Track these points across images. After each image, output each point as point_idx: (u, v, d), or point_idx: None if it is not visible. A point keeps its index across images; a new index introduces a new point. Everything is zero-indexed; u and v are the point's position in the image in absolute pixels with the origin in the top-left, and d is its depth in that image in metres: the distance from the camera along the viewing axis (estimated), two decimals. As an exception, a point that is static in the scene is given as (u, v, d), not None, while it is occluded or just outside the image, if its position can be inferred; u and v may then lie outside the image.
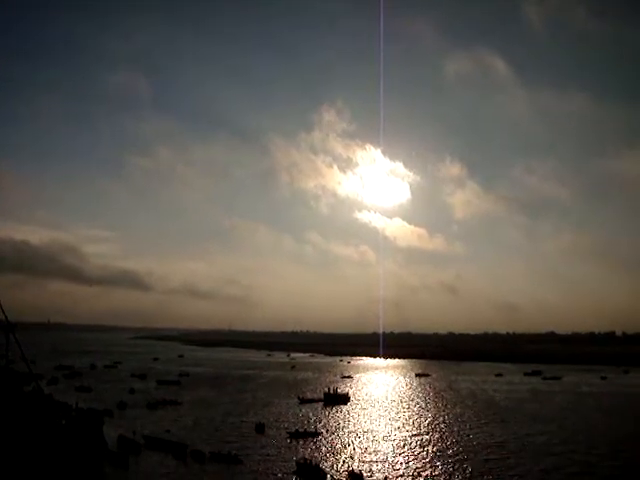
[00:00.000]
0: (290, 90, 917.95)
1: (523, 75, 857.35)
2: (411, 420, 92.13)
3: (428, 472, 58.83)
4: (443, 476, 57.51)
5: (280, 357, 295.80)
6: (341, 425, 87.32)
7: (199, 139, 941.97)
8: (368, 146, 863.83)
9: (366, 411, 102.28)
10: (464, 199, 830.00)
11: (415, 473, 58.61)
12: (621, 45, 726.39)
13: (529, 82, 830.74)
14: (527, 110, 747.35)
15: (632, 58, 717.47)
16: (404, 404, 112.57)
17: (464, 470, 59.38)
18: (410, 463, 62.51)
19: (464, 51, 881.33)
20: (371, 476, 57.13)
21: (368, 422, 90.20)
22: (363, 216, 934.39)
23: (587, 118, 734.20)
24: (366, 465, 61.32)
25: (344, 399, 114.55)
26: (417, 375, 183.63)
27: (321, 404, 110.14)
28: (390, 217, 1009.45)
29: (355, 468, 58.62)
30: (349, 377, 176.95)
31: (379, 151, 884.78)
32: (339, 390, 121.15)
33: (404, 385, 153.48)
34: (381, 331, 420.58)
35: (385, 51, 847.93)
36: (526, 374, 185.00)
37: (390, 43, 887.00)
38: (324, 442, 73.52)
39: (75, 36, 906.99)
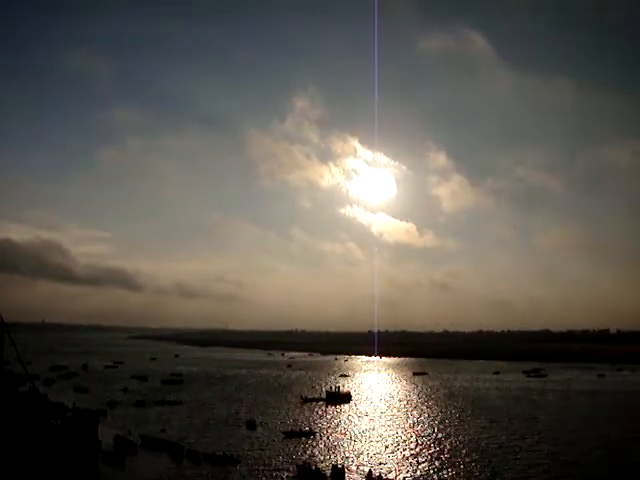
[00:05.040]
0: (261, 77, 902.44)
1: (507, 57, 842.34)
2: (410, 420, 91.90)
3: (416, 470, 58.67)
4: (429, 474, 57.31)
5: (276, 356, 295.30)
6: (341, 424, 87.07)
7: (171, 129, 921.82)
8: (345, 136, 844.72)
9: (367, 410, 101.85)
10: (451, 191, 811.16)
11: (404, 470, 58.52)
12: (608, 28, 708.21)
13: (513, 64, 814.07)
14: (512, 94, 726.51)
15: (620, 42, 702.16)
16: (404, 403, 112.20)
17: (452, 469, 59.09)
18: (402, 461, 62.28)
19: (443, 28, 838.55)
20: (355, 470, 57.57)
21: (367, 421, 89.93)
22: (348, 211, 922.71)
23: (575, 102, 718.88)
24: (355, 462, 61.50)
25: (346, 398, 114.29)
26: (415, 374, 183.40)
27: (323, 403, 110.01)
28: (375, 212, 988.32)
29: (339, 463, 58.93)
30: (347, 376, 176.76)
31: (357, 140, 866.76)
32: (341, 389, 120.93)
33: (403, 384, 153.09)
34: (376, 329, 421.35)
35: (362, 31, 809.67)
36: (525, 372, 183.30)
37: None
38: (319, 441, 73.27)
39: (32, 18, 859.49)
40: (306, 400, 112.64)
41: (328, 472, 56.72)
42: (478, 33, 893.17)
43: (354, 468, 58.98)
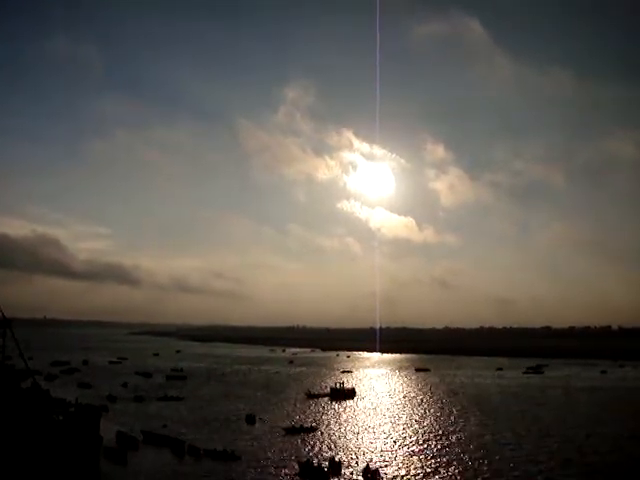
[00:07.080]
0: (253, 68, 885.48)
1: (505, 47, 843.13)
2: (413, 416, 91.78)
3: (417, 465, 58.53)
4: (430, 470, 57.24)
5: (277, 352, 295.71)
6: (344, 420, 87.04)
7: (163, 122, 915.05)
8: (340, 129, 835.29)
9: (370, 406, 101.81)
10: (449, 185, 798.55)
11: (405, 465, 58.35)
12: (609, 18, 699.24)
13: (512, 54, 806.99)
14: (511, 85, 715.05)
15: (621, 34, 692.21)
16: (406, 400, 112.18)
17: (452, 465, 59.02)
18: (404, 457, 62.15)
19: (440, 16, 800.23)
20: (355, 465, 57.79)
21: (371, 417, 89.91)
22: (345, 206, 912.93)
23: (576, 93, 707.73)
24: (356, 457, 61.62)
25: (350, 394, 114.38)
26: (417, 370, 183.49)
27: (327, 399, 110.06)
28: (373, 206, 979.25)
29: (337, 457, 59.21)
30: (349, 372, 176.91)
31: (352, 133, 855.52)
32: (345, 385, 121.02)
33: (405, 380, 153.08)
34: (378, 326, 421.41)
35: (358, 23, 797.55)
36: (528, 368, 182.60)
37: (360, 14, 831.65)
38: (323, 437, 73.25)
39: (19, 9, 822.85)
40: (311, 396, 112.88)
41: (315, 460, 57.28)
42: (477, 21, 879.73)
43: (354, 463, 58.98)
